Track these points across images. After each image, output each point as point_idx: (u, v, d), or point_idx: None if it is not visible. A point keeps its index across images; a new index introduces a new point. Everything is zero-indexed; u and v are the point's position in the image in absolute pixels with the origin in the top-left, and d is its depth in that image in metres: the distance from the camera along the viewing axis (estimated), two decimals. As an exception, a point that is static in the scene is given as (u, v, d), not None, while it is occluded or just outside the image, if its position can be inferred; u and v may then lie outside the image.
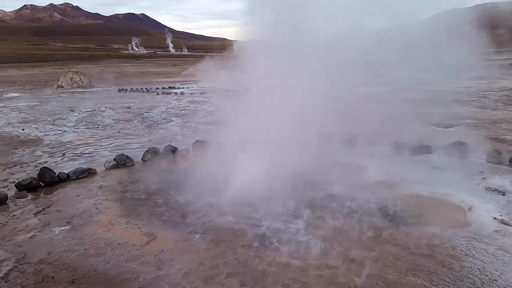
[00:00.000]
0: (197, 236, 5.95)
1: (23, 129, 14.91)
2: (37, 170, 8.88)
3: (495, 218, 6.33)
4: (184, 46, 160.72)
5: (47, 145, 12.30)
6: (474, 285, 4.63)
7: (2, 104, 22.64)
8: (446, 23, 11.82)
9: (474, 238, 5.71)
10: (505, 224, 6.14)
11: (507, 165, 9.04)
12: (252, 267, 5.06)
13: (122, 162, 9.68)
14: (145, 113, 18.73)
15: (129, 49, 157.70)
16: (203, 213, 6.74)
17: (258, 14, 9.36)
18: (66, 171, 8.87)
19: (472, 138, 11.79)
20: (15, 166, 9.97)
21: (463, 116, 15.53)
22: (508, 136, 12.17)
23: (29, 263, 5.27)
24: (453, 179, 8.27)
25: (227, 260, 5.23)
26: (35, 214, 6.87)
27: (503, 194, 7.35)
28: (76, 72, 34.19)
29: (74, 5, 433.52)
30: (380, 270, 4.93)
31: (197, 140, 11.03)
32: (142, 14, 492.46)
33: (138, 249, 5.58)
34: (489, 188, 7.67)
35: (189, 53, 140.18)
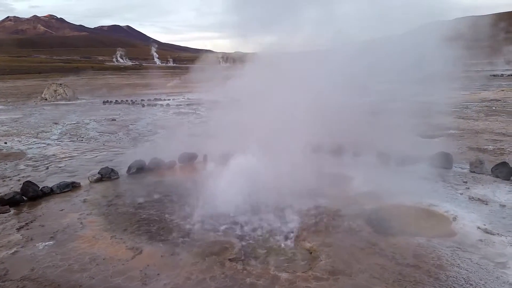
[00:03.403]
0: (184, 250, 5.89)
1: (5, 143, 14.65)
2: (20, 184, 8.72)
3: (479, 228, 6.42)
4: (169, 58, 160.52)
5: (30, 158, 12.11)
6: (460, 295, 4.68)
7: (-17, 117, 22.24)
8: (429, 35, 12.07)
9: (459, 248, 5.78)
10: (488, 233, 6.23)
11: (489, 174, 9.20)
12: (240, 280, 5.02)
13: (106, 175, 9.57)
14: (130, 125, 18.61)
15: (114, 61, 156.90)
16: (190, 227, 6.70)
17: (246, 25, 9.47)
18: (49, 185, 8.73)
19: (455, 148, 12.00)
20: (-3, 180, 9.78)
21: (447, 126, 15.79)
22: (490, 146, 12.40)
23: (11, 280, 5.15)
24: (437, 189, 8.40)
25: (215, 274, 5.19)
26: (18, 229, 6.73)
27: (486, 204, 7.47)
28: (60, 84, 33.81)
29: (59, 17, 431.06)
30: (367, 281, 4.95)
31: (183, 152, 10.98)
32: (127, 26, 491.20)
33: (123, 264, 5.50)
34: (473, 197, 7.79)
35: (175, 64, 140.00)
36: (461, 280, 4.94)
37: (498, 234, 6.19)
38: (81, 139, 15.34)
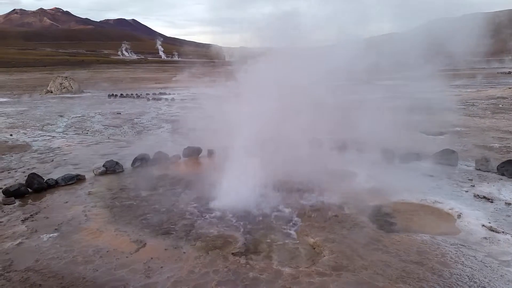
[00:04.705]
0: (187, 243, 5.90)
1: (11, 135, 14.73)
2: (25, 176, 8.77)
3: (483, 225, 6.38)
4: (174, 52, 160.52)
5: (36, 151, 12.16)
6: (464, 292, 4.65)
7: (-11, 109, 22.35)
8: (436, 32, 11.98)
9: (463, 245, 5.75)
10: (493, 231, 6.19)
11: (495, 172, 9.14)
12: (243, 274, 5.03)
13: (111, 168, 9.59)
14: (135, 119, 18.64)
15: (120, 54, 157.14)
16: (194, 220, 6.71)
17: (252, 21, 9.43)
18: (54, 177, 8.77)
19: (461, 145, 11.94)
20: (2, 172, 9.83)
21: (452, 124, 15.70)
22: (496, 144, 12.31)
23: (16, 270, 5.18)
24: (442, 186, 8.35)
25: (218, 268, 5.20)
26: (23, 220, 6.77)
27: (491, 202, 7.42)
28: (66, 77, 33.92)
29: (64, 10, 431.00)
30: (370, 277, 4.93)
31: (187, 146, 10.99)
32: (132, 19, 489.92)
33: (127, 257, 5.52)
34: (478, 195, 7.74)
35: (180, 59, 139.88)
36: (465, 278, 4.92)
37: (503, 232, 6.15)
38: (86, 132, 15.38)
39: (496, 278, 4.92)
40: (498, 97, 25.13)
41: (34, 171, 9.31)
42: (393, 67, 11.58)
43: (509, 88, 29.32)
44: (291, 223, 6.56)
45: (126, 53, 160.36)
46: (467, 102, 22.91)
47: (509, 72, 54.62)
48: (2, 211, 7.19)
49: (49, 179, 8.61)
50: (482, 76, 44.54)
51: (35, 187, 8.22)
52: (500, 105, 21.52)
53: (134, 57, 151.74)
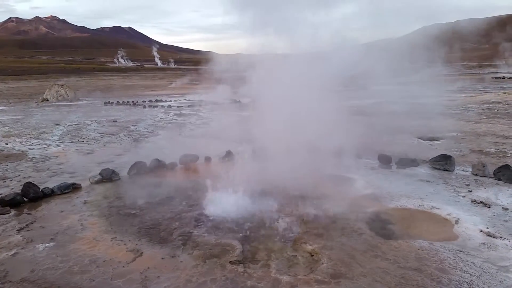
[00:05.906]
0: (184, 252, 5.86)
1: (6, 143, 14.64)
2: (21, 185, 8.70)
3: (481, 231, 6.37)
4: (171, 59, 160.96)
5: (31, 159, 12.09)
6: (463, 299, 4.63)
7: (-15, 118, 22.24)
8: (429, 37, 12.06)
9: (461, 251, 5.73)
10: (491, 236, 6.18)
11: (492, 177, 9.15)
12: (241, 283, 4.99)
13: (107, 177, 9.54)
14: (132, 127, 18.58)
15: (116, 62, 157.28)
16: (191, 229, 6.66)
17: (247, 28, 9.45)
18: (50, 186, 8.70)
19: (457, 151, 11.96)
20: (-3, 181, 9.76)
21: (448, 129, 15.74)
22: (492, 149, 12.34)
23: (11, 281, 5.12)
24: (439, 192, 8.36)
25: (215, 276, 5.15)
26: (18, 230, 6.70)
27: (489, 207, 7.42)
28: (62, 85, 33.84)
29: (60, 18, 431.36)
30: (369, 285, 4.91)
31: (184, 154, 10.95)
32: (128, 27, 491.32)
33: (123, 266, 5.47)
34: (475, 200, 7.74)
35: (176, 66, 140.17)
36: (464, 284, 4.90)
37: (501, 237, 6.14)
38: (82, 140, 15.31)
39: (495, 284, 4.90)
40: (493, 102, 25.25)
41: (29, 180, 9.25)
42: (389, 72, 11.64)
43: (504, 93, 29.50)
44: (288, 230, 6.52)
45: (122, 61, 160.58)
46: (462, 107, 23.00)
47: (504, 77, 54.95)
48: (-3, 221, 7.13)
49: (45, 188, 8.55)
50: (477, 81, 44.83)
51: (30, 196, 8.15)
52: (495, 110, 21.61)
53: (130, 64, 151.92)
